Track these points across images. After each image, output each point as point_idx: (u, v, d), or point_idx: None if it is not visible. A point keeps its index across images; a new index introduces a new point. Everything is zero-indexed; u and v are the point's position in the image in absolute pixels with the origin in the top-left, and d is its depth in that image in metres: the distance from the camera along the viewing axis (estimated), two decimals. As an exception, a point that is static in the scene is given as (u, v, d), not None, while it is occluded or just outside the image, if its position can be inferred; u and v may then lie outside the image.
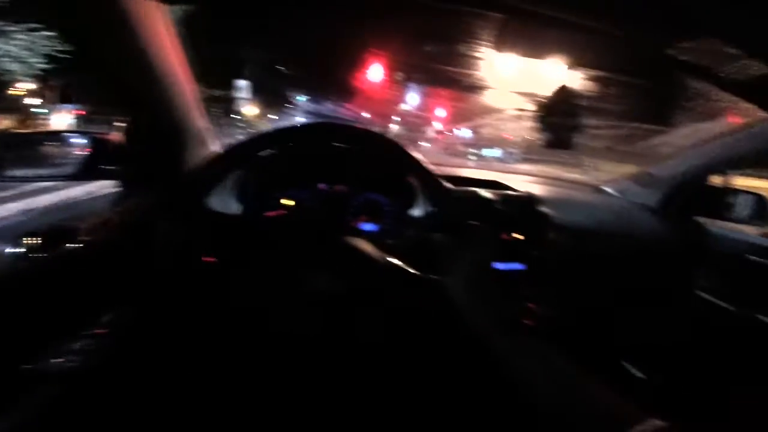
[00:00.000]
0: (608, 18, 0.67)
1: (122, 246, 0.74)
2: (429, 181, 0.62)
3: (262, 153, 0.81)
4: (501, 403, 0.74)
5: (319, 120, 0.73)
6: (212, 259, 0.61)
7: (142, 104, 0.78)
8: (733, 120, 1.03)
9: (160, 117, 0.80)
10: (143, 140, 0.81)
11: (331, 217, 0.92)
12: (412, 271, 0.60)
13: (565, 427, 0.39)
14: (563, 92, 0.74)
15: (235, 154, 0.57)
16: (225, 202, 0.83)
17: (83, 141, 0.84)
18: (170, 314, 0.70)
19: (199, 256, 0.59)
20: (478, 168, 1.36)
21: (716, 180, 1.20)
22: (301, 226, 0.87)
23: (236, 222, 0.81)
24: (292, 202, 0.91)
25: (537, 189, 1.10)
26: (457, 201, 0.65)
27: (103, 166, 0.80)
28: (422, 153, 0.84)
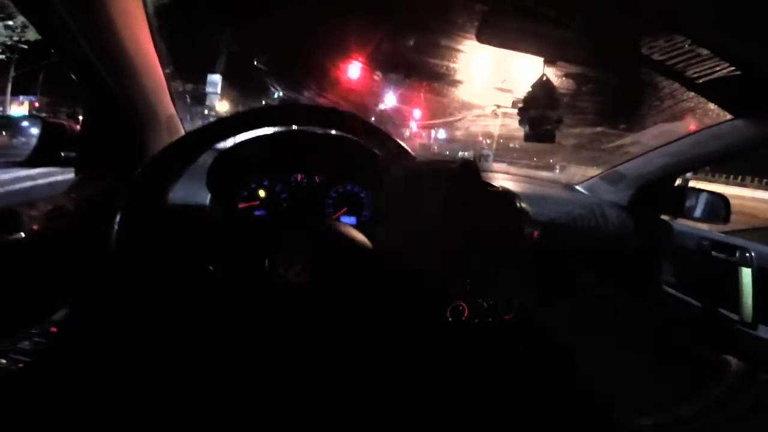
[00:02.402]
0: (586, 14, 0.68)
1: (75, 236, 0.68)
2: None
3: (233, 139, 0.77)
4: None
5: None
6: (175, 256, 0.56)
7: (102, 89, 0.73)
8: (699, 121, 1.07)
9: (122, 103, 0.75)
10: (102, 126, 0.76)
11: (307, 208, 0.89)
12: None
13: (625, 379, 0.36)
14: (543, 84, 0.74)
15: (197, 140, 0.53)
16: (192, 193, 0.78)
17: (36, 127, 0.78)
18: (127, 314, 0.65)
19: (159, 251, 0.54)
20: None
21: (682, 179, 1.25)
22: (274, 218, 0.84)
23: (203, 214, 0.76)
24: (265, 193, 0.87)
25: (512, 186, 1.11)
26: None
27: (57, 152, 0.74)
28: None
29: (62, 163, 0.76)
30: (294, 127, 0.82)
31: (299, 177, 0.89)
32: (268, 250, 0.53)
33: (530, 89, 0.75)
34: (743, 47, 0.73)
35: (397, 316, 0.65)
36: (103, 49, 0.66)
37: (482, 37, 0.70)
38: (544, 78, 0.73)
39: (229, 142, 0.82)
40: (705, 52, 0.75)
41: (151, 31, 0.76)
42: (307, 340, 0.58)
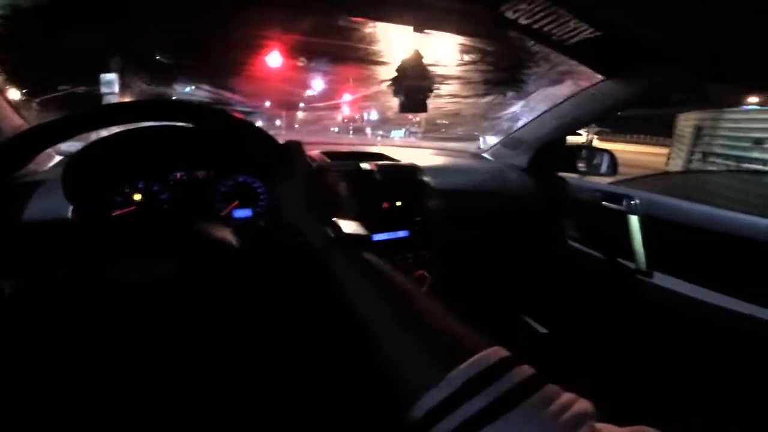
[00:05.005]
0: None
1: None
2: (277, 153, 0.57)
3: (82, 142, 0.69)
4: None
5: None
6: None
7: None
8: (576, 83, 1.15)
9: None
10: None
11: (193, 207, 0.82)
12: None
13: (400, 363, 0.35)
14: (414, 56, 0.74)
15: (11, 149, 0.46)
16: (55, 205, 0.69)
17: None
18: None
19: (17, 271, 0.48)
20: (382, 145, 1.37)
21: (572, 139, 1.35)
22: (154, 222, 0.77)
23: (67, 228, 0.68)
24: (141, 196, 0.79)
25: (423, 160, 1.13)
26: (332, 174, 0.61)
27: None
28: (331, 137, 0.79)
29: None
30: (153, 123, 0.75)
31: (178, 175, 0.82)
32: (129, 254, 0.49)
33: (402, 61, 0.75)
34: (600, 9, 0.78)
35: (290, 305, 0.63)
36: None
37: (353, 11, 0.68)
38: (415, 49, 0.74)
39: (82, 144, 0.73)
40: (567, 14, 0.79)
41: None
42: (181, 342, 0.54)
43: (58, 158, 0.92)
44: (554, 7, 0.77)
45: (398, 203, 0.93)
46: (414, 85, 0.75)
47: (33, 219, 0.69)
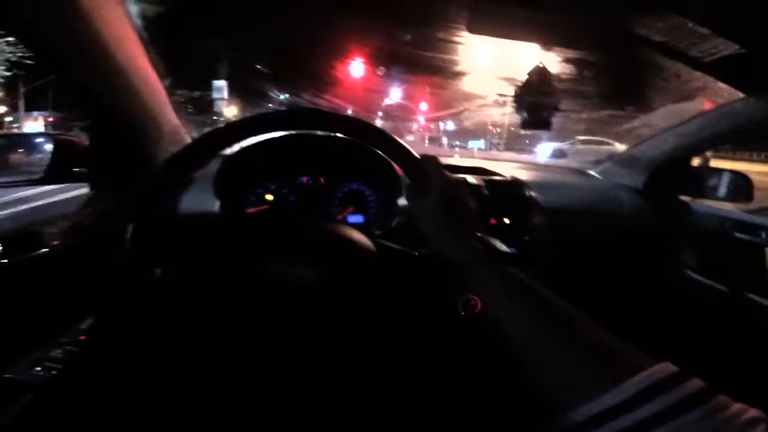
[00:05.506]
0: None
1: (91, 251, 0.70)
2: (414, 167, 0.59)
3: (237, 145, 0.78)
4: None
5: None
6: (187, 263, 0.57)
7: (104, 104, 0.75)
8: (709, 100, 1.04)
9: (124, 116, 0.77)
10: (109, 142, 0.78)
11: (314, 210, 0.90)
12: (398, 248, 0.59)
13: (552, 374, 0.37)
14: (539, 72, 0.73)
15: (200, 147, 0.54)
16: (202, 200, 0.80)
17: (47, 144, 0.81)
18: (143, 322, 0.67)
19: (165, 262, 0.56)
20: (463, 157, 1.37)
21: (697, 159, 1.22)
22: (283, 221, 0.85)
23: (213, 221, 0.78)
24: (272, 197, 0.88)
25: (522, 175, 1.10)
26: None
27: (69, 169, 0.77)
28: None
29: (75, 179, 0.78)
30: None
31: (305, 179, 0.90)
32: (272, 252, 0.54)
33: (527, 76, 0.75)
34: (746, 27, 0.71)
35: (407, 314, 0.65)
36: (95, 69, 0.68)
37: (473, 28, 0.69)
38: (540, 65, 0.73)
39: (235, 148, 0.84)
40: (706, 31, 0.73)
41: (144, 45, 0.78)
42: (311, 343, 0.58)
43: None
44: (692, 25, 0.71)
45: (506, 220, 0.92)
46: (537, 101, 0.74)
47: (186, 212, 0.81)
